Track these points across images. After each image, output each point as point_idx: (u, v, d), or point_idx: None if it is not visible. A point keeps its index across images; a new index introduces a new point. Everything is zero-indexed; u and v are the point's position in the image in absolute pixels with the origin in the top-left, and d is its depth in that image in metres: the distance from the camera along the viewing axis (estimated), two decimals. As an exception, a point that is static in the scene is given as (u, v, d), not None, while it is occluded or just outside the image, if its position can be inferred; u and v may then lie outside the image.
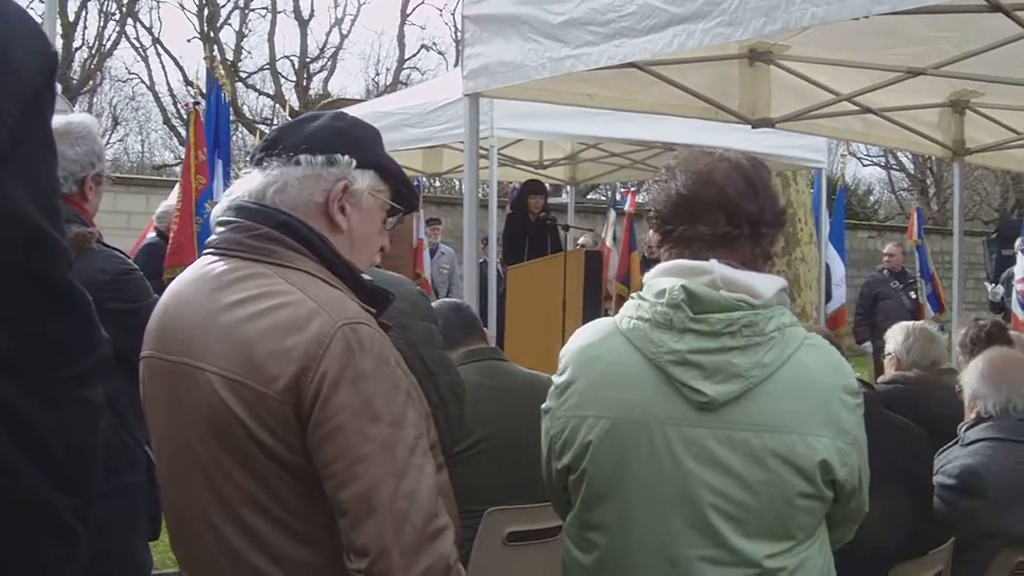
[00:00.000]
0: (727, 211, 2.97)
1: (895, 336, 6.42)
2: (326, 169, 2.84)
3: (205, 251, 2.87)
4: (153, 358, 2.84)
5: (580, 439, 2.98)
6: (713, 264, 2.90)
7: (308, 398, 2.52)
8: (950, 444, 5.21)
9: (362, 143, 2.96)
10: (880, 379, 6.64)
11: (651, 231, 3.19)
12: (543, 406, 3.16)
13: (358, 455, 2.51)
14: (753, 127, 8.26)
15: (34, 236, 1.87)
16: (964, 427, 5.19)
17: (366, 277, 2.91)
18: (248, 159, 3.19)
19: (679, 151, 3.26)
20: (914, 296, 15.69)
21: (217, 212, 2.90)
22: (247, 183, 2.88)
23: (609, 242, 16.24)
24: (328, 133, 2.91)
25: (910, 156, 42.51)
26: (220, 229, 2.85)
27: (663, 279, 2.95)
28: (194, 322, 2.72)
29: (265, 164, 2.86)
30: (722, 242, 2.96)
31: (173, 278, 8.84)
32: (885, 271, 16.34)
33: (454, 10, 42.77)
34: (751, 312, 2.85)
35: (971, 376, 5.23)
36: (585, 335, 3.14)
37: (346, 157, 2.86)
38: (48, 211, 1.90)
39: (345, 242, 2.87)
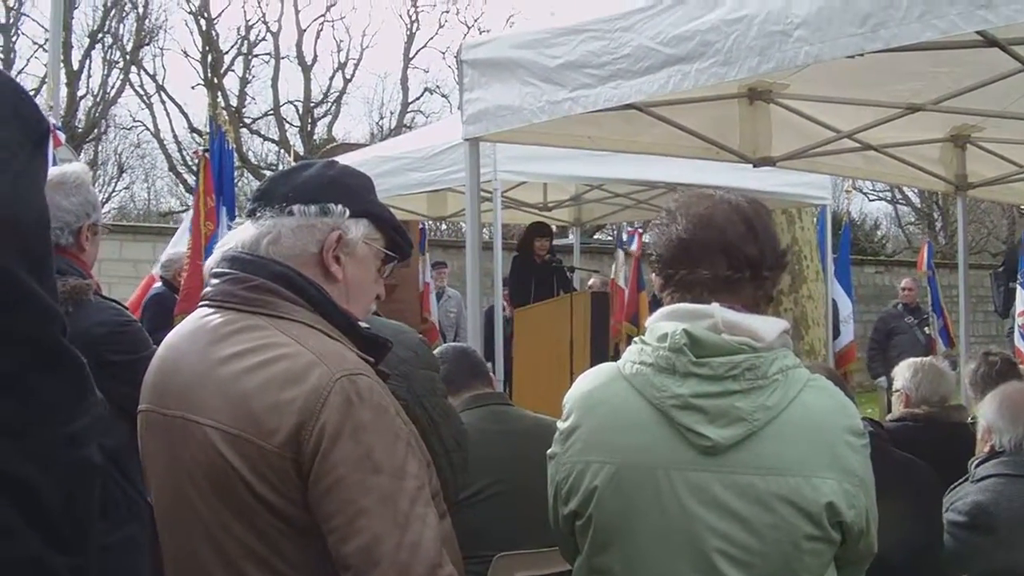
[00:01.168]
0: (728, 255, 2.96)
1: (903, 373, 6.40)
2: (319, 219, 2.84)
3: (200, 303, 2.86)
4: (150, 412, 2.83)
5: (585, 484, 2.97)
6: (715, 308, 2.90)
7: (308, 451, 2.51)
8: (961, 480, 5.18)
9: (354, 192, 2.95)
10: (888, 417, 6.61)
11: (653, 274, 3.19)
12: (548, 451, 3.16)
13: (359, 508, 2.50)
14: (754, 166, 8.27)
15: (23, 298, 1.87)
16: (975, 462, 5.16)
17: (364, 325, 2.89)
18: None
19: (679, 193, 3.25)
20: (927, 331, 15.64)
21: (211, 264, 2.90)
22: (240, 234, 2.88)
23: (621, 282, 16.25)
24: (320, 182, 2.91)
25: (916, 190, 42.50)
26: (215, 281, 2.84)
27: (665, 323, 2.94)
28: (190, 376, 2.71)
29: (258, 215, 2.86)
30: (724, 286, 2.96)
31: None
32: (900, 306, 16.31)
33: (457, 53, 42.89)
34: (753, 355, 2.84)
35: (988, 409, 5.20)
36: (588, 380, 3.13)
37: (339, 206, 2.86)
38: (38, 272, 1.90)
39: (341, 292, 2.87)
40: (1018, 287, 13.61)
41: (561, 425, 3.11)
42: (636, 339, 3.06)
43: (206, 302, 2.83)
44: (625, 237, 16.23)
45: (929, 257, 16.51)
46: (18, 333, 1.86)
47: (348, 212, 2.88)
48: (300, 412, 2.52)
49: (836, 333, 14.45)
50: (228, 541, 2.60)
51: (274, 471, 2.53)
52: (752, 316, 2.93)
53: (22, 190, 1.87)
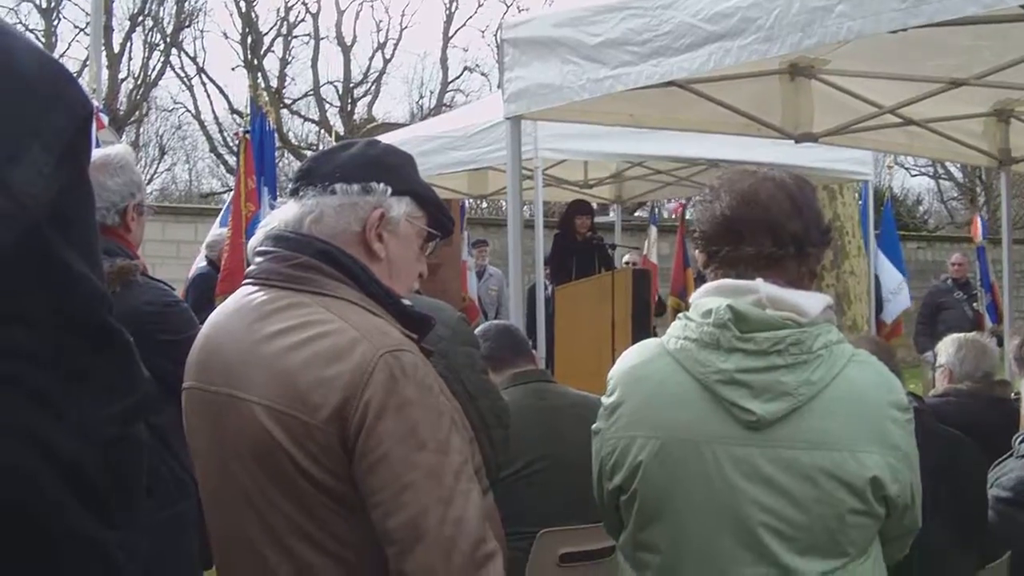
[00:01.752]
0: (772, 232, 2.97)
1: (947, 348, 6.37)
2: (362, 198, 2.86)
3: (244, 281, 2.88)
4: (195, 389, 2.85)
5: (630, 460, 2.99)
6: (759, 283, 2.90)
7: (353, 427, 2.52)
8: (1005, 456, 5.16)
9: (396, 170, 2.97)
10: (931, 392, 6.59)
11: (696, 251, 3.20)
12: (593, 427, 3.18)
13: (404, 483, 2.51)
14: (796, 142, 8.23)
15: (72, 280, 1.89)
16: (1019, 438, 5.13)
17: (406, 303, 2.91)
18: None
19: (722, 170, 3.25)
20: (976, 306, 15.53)
21: (254, 242, 2.92)
22: (283, 213, 2.90)
23: (653, 258, 16.22)
24: (362, 161, 2.92)
25: (959, 165, 42.21)
26: (258, 259, 2.86)
27: (709, 299, 2.96)
28: (235, 353, 2.74)
29: (301, 194, 2.88)
30: (768, 262, 2.96)
31: (226, 306, 8.76)
32: (949, 280, 16.18)
33: (496, 31, 42.81)
34: (798, 330, 2.85)
35: (1029, 385, 5.18)
36: (633, 356, 3.15)
37: (381, 185, 2.88)
38: (85, 254, 1.92)
39: (384, 270, 2.88)
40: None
41: (606, 400, 3.13)
42: (680, 315, 3.07)
43: (250, 280, 2.85)
44: (662, 213, 16.19)
45: (983, 228, 16.36)
46: (67, 314, 1.88)
47: (390, 190, 2.89)
48: (345, 388, 2.53)
49: (879, 308, 14.36)
50: (276, 518, 2.62)
51: (320, 447, 2.55)
52: (796, 291, 2.93)
53: (66, 173, 1.89)
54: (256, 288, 2.81)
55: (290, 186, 2.96)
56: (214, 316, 2.92)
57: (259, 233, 2.93)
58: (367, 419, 2.52)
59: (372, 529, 2.56)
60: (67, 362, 1.88)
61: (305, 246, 2.79)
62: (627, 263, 14.84)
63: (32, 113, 1.86)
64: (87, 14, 30.34)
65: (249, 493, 2.66)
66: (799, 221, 2.99)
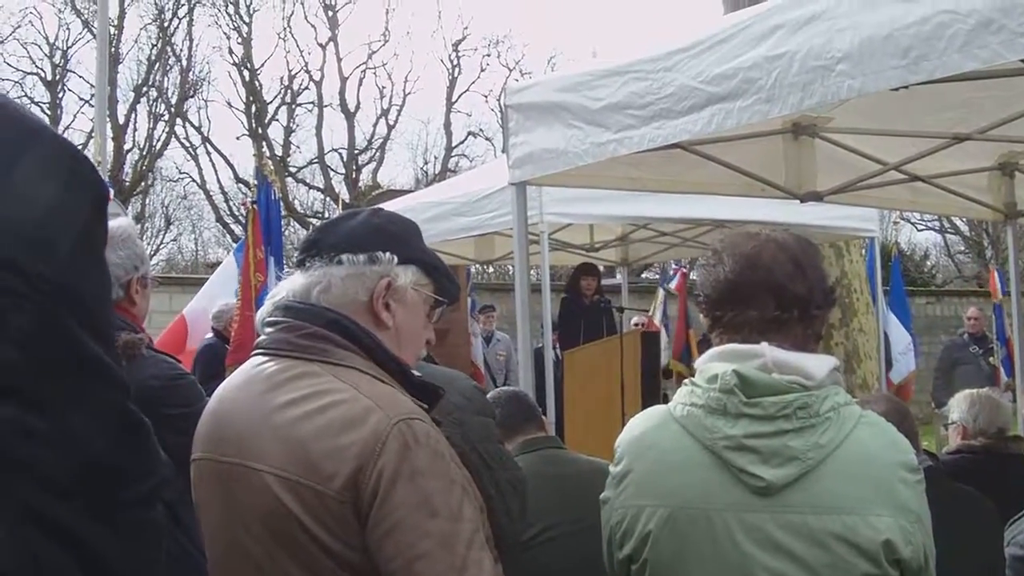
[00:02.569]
0: (776, 295, 2.96)
1: (959, 405, 6.35)
2: (368, 267, 2.88)
3: (254, 352, 2.89)
4: (205, 460, 2.85)
5: (640, 529, 2.96)
6: (764, 347, 2.89)
7: (366, 495, 2.53)
8: (1021, 514, 5.12)
9: (401, 239, 2.99)
10: (945, 449, 6.56)
11: (701, 315, 3.19)
12: (601, 496, 3.15)
13: (418, 552, 2.51)
14: (801, 201, 8.24)
15: (93, 367, 1.89)
16: (1035, 493, 5.10)
17: (415, 373, 2.91)
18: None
19: (725, 233, 3.24)
20: (992, 361, 15.49)
21: (263, 313, 2.94)
22: (291, 284, 2.91)
23: (658, 320, 16.20)
24: (367, 231, 2.95)
25: (965, 219, 42.25)
26: (268, 330, 2.88)
27: (715, 364, 2.94)
28: (246, 423, 2.74)
29: (307, 265, 2.90)
30: (772, 326, 2.95)
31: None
32: (965, 335, 16.15)
33: (499, 96, 43.07)
34: (805, 394, 2.83)
35: (1047, 441, 5.14)
36: (639, 423, 3.13)
37: (387, 254, 2.90)
38: (102, 339, 1.92)
39: (392, 338, 2.89)
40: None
41: (613, 470, 3.11)
42: (686, 381, 3.06)
43: (260, 351, 2.86)
44: (670, 274, 16.20)
45: (1001, 283, 16.32)
46: (89, 400, 1.88)
47: (396, 259, 2.91)
48: (358, 457, 2.54)
49: (889, 366, 14.33)
50: None
51: (333, 516, 2.55)
52: (802, 355, 2.92)
53: (84, 256, 1.88)
54: (266, 359, 2.82)
55: (296, 257, 2.98)
56: (223, 387, 2.93)
57: (267, 304, 2.95)
58: (380, 487, 2.52)
59: None
60: (87, 447, 1.87)
61: (315, 316, 2.81)
62: (635, 325, 14.85)
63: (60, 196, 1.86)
64: (92, 86, 30.58)
65: (260, 563, 2.66)
66: (803, 283, 2.98)
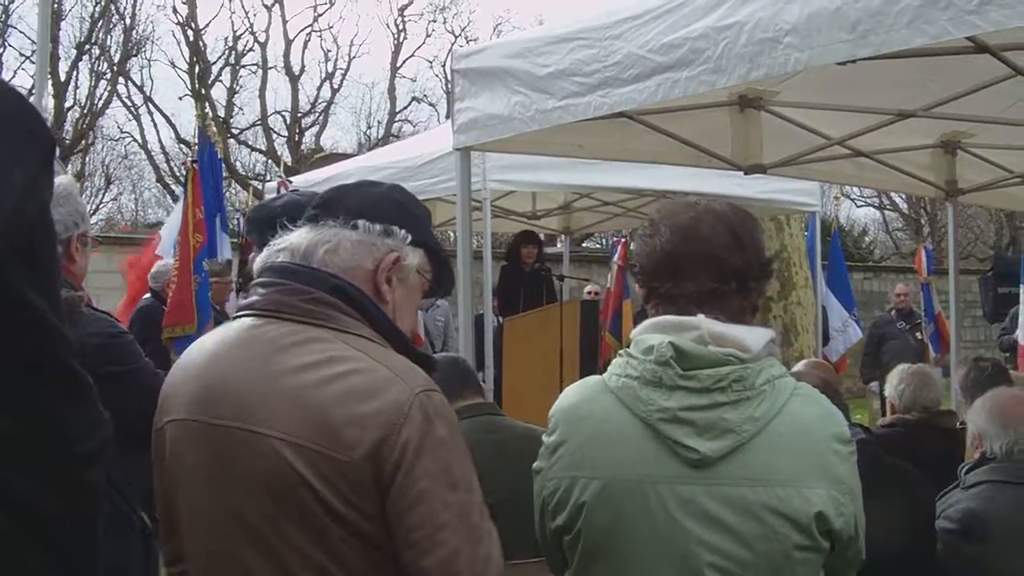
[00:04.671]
0: (714, 267, 2.95)
1: (891, 380, 6.43)
2: (381, 239, 2.87)
3: (244, 312, 2.85)
4: (191, 422, 2.77)
5: (573, 500, 2.95)
6: (700, 319, 2.88)
7: (389, 465, 2.53)
8: (951, 487, 5.17)
9: (418, 220, 2.99)
10: (879, 422, 6.62)
11: (637, 286, 3.18)
12: (534, 466, 3.14)
13: (439, 522, 2.56)
14: (745, 173, 8.27)
15: (35, 322, 1.86)
16: (965, 468, 5.14)
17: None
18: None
19: (662, 203, 3.23)
20: (920, 336, 15.65)
21: (256, 270, 2.90)
22: (296, 238, 2.87)
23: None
24: (389, 204, 2.95)
25: (904, 196, 42.64)
26: (262, 290, 2.82)
27: (650, 336, 2.93)
28: (250, 386, 2.67)
29: (320, 222, 2.87)
30: (709, 298, 2.94)
31: (173, 338, 8.70)
32: (892, 311, 16.32)
33: (444, 62, 42.95)
34: (740, 366, 2.83)
35: (977, 415, 5.18)
36: (574, 394, 3.11)
37: (402, 231, 2.89)
38: (47, 294, 1.89)
39: (388, 311, 2.88)
40: (1021, 290, 13.60)
41: (547, 439, 3.09)
42: (621, 352, 3.04)
43: (253, 312, 2.81)
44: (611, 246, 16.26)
45: (928, 262, 16.47)
46: (30, 357, 1.85)
47: (410, 238, 2.91)
48: (382, 426, 2.54)
49: (825, 340, 14.44)
50: (289, 554, 2.58)
51: (349, 484, 2.54)
52: (738, 327, 2.91)
53: (31, 209, 1.85)
54: (263, 321, 2.77)
55: (309, 211, 2.93)
56: (209, 347, 2.86)
57: (259, 262, 2.91)
58: (405, 458, 2.54)
59: (388, 564, 2.59)
60: (31, 406, 1.85)
61: (318, 280, 2.78)
62: (588, 294, 14.91)
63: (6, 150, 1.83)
64: (33, 42, 30.22)
65: (258, 528, 2.61)
66: (740, 256, 2.97)
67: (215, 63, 44.59)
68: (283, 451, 2.56)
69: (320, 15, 47.40)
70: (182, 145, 40.43)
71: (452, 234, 23.47)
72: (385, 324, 2.81)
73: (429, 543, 2.54)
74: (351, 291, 2.78)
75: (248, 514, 2.62)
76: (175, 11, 43.90)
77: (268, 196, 11.40)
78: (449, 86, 7.26)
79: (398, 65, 48.14)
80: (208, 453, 2.72)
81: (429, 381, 2.69)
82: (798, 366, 5.51)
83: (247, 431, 2.62)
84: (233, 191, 38.89)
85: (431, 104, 47.94)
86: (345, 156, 20.47)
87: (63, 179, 4.75)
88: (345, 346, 2.67)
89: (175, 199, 37.28)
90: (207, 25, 45.87)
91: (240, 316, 2.85)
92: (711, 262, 2.95)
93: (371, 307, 2.79)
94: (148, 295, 10.57)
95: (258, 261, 2.92)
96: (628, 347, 3.02)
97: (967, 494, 4.99)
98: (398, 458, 2.52)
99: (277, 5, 45.06)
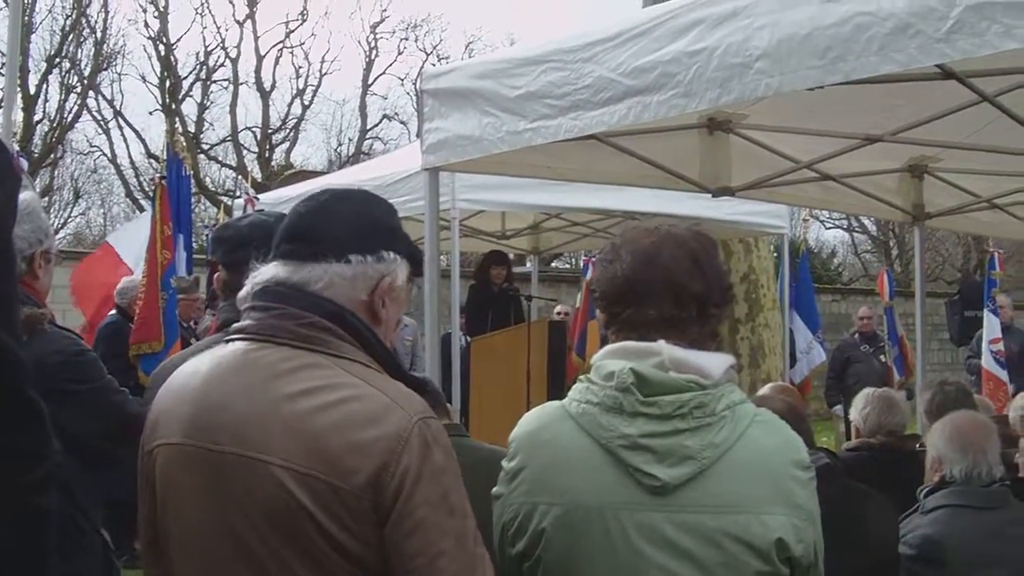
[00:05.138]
0: (674, 293, 2.94)
1: (856, 404, 6.46)
2: (374, 266, 2.85)
3: (236, 336, 2.82)
4: (187, 446, 2.74)
5: (533, 526, 2.94)
6: (661, 345, 2.87)
7: (390, 493, 2.53)
8: (911, 511, 5.19)
9: (398, 232, 2.98)
10: (844, 446, 6.64)
11: (598, 310, 3.18)
12: (493, 491, 3.12)
13: (438, 549, 2.56)
14: (713, 196, 8.29)
15: None
16: (924, 491, 5.16)
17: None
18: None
19: (623, 228, 3.23)
20: (883, 359, 15.70)
21: (244, 295, 2.87)
22: (281, 274, 2.82)
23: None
24: (372, 226, 2.91)
25: (873, 219, 42.82)
26: (256, 314, 2.80)
27: (611, 361, 2.92)
28: (249, 412, 2.65)
29: (306, 261, 2.81)
30: (670, 324, 2.93)
31: (140, 355, 8.63)
32: (856, 334, 16.37)
33: (416, 80, 42.99)
34: (701, 393, 2.82)
35: (936, 439, 5.20)
36: (533, 419, 3.10)
37: (391, 253, 2.88)
38: (6, 323, 1.88)
39: (382, 331, 2.88)
40: (986, 313, 13.73)
41: (506, 465, 3.08)
42: (581, 377, 3.03)
43: (247, 336, 2.79)
44: (582, 266, 16.29)
45: (890, 286, 16.54)
46: None
47: (399, 258, 2.90)
48: (382, 454, 2.53)
49: (793, 362, 14.48)
50: None
51: (349, 511, 2.53)
52: (699, 353, 2.91)
53: None
54: (258, 345, 2.76)
55: (282, 246, 2.87)
56: (204, 371, 2.82)
57: (248, 285, 2.87)
58: (405, 485, 2.54)
59: None
60: None
61: (315, 305, 2.76)
62: (558, 314, 14.91)
63: None
64: (2, 54, 30.07)
65: (255, 554, 2.60)
66: (701, 282, 2.97)
67: (186, 78, 44.58)
68: (283, 478, 2.55)
69: (292, 31, 47.26)
70: (152, 160, 40.38)
71: (421, 252, 23.45)
72: (380, 349, 2.80)
73: (428, 570, 2.54)
74: (347, 317, 2.77)
75: (246, 540, 2.61)
76: (146, 25, 43.91)
77: (236, 213, 11.39)
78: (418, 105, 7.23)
79: (369, 82, 48.28)
80: (206, 478, 2.70)
81: (426, 407, 2.68)
82: (763, 390, 5.51)
83: (246, 457, 2.61)
84: (203, 207, 38.80)
85: (402, 122, 48.04)
86: (315, 173, 20.50)
87: (27, 196, 4.73)
88: (343, 372, 2.67)
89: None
90: (178, 40, 45.80)
91: (234, 340, 2.83)
92: (672, 288, 2.95)
93: (367, 333, 2.79)
94: (114, 311, 10.53)
95: (243, 291, 2.89)
96: (588, 372, 3.02)
97: (926, 519, 5.01)
98: (398, 485, 2.52)
99: (249, 21, 45.11)
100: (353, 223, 2.88)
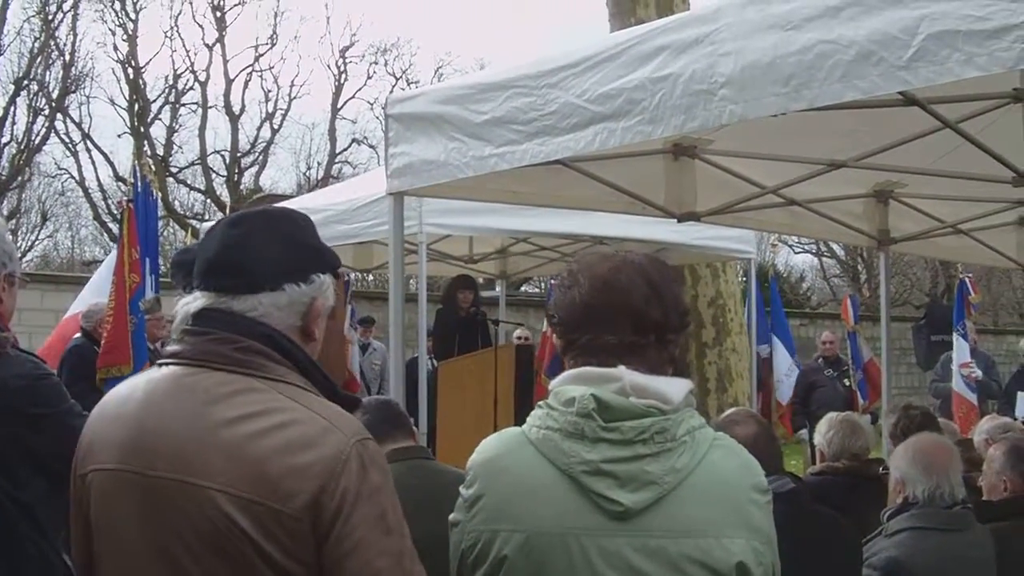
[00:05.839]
0: (633, 320, 2.95)
1: (820, 428, 6.50)
2: (304, 291, 2.86)
3: (171, 361, 2.82)
4: (123, 472, 2.73)
5: (494, 554, 2.91)
6: (622, 371, 2.87)
7: (328, 515, 2.56)
8: (874, 534, 5.21)
9: (322, 250, 2.98)
10: (809, 470, 6.67)
11: (554, 336, 3.18)
12: (450, 518, 3.11)
13: (376, 568, 2.59)
14: (679, 221, 8.32)
15: None
16: (888, 513, 5.18)
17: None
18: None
19: (580, 254, 3.24)
20: (848, 383, 15.75)
21: (179, 321, 2.85)
22: (210, 303, 2.82)
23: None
24: (300, 251, 2.91)
25: (840, 243, 42.98)
26: (191, 339, 2.80)
27: (571, 387, 2.91)
28: (185, 437, 2.65)
29: (235, 294, 2.81)
30: (629, 350, 2.93)
31: (108, 379, 8.60)
32: (820, 359, 16.43)
33: (383, 107, 42.97)
34: (662, 418, 2.82)
35: (900, 460, 5.23)
36: (492, 446, 3.09)
37: (321, 276, 2.89)
38: None
39: (314, 349, 2.90)
40: (955, 337, 13.80)
41: (464, 492, 3.05)
42: (540, 403, 3.02)
43: (182, 360, 2.79)
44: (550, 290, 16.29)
45: (854, 310, 16.60)
46: None
47: (327, 278, 2.92)
48: (320, 476, 2.56)
49: (759, 386, 14.53)
50: None
51: (289, 534, 2.55)
52: (659, 378, 2.90)
53: None
54: (193, 370, 2.76)
55: (212, 280, 2.84)
56: (139, 396, 2.81)
57: (183, 310, 2.85)
58: (344, 507, 2.56)
59: None
60: None
61: (247, 330, 2.76)
62: (518, 339, 14.89)
63: None
64: (-30, 78, 29.95)
65: None
66: (659, 308, 2.97)
67: (155, 101, 44.51)
68: (222, 503, 2.55)
69: (261, 55, 47.16)
70: (120, 183, 40.18)
71: (389, 277, 23.45)
72: (314, 371, 2.81)
73: None
74: (282, 341, 2.78)
75: (182, 564, 2.60)
76: (115, 48, 43.79)
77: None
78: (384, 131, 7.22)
79: (339, 106, 48.24)
80: (142, 504, 2.69)
81: (363, 428, 2.71)
82: (730, 414, 5.51)
83: (185, 483, 2.61)
84: (172, 230, 38.69)
85: (371, 146, 47.92)
86: (284, 197, 20.42)
87: (-9, 218, 4.72)
88: (279, 396, 2.68)
89: (112, 238, 37.19)
90: (147, 63, 45.70)
91: (168, 364, 2.82)
92: (630, 314, 2.95)
93: (299, 354, 2.80)
94: (79, 335, 10.48)
95: (177, 317, 2.88)
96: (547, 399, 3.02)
97: (890, 541, 5.03)
98: (336, 507, 2.55)
99: (218, 44, 45.06)
100: (283, 252, 2.87)
